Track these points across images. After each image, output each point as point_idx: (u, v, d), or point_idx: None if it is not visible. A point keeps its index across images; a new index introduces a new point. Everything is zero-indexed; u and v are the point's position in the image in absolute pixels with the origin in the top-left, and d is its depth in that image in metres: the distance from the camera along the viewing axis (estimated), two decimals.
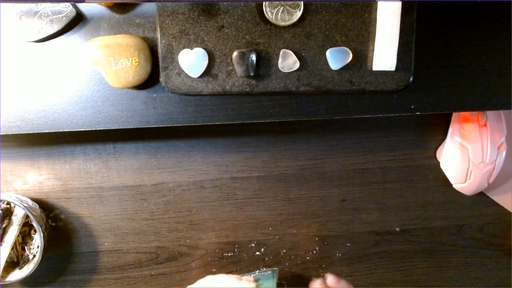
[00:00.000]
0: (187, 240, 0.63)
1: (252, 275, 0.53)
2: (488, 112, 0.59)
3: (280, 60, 0.46)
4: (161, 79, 0.47)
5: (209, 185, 0.62)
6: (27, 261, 0.59)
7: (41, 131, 0.49)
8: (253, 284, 0.51)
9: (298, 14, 0.45)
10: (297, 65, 0.46)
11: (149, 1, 0.45)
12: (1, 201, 0.58)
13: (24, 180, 0.61)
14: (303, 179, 0.63)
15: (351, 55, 0.46)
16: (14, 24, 0.46)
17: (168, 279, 0.64)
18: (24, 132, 0.48)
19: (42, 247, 0.56)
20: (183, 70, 0.46)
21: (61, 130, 0.49)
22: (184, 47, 0.46)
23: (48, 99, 0.48)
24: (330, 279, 0.53)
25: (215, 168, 0.62)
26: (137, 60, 0.45)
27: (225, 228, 0.63)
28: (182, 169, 0.62)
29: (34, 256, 0.59)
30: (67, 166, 0.61)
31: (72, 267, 0.63)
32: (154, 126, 0.49)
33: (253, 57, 0.45)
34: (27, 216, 0.59)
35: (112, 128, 0.49)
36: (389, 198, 0.64)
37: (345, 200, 0.63)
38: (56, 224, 0.62)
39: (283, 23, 0.45)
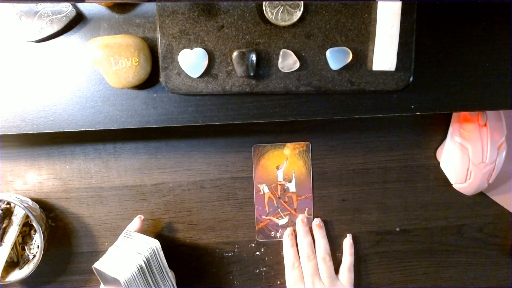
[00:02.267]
0: (187, 240, 0.63)
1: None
2: (488, 112, 0.59)
3: (280, 60, 0.46)
4: (161, 79, 0.47)
5: (209, 185, 0.62)
6: (27, 261, 0.59)
7: (41, 131, 0.49)
8: None
9: (298, 14, 0.45)
10: (297, 65, 0.46)
11: (149, 1, 0.45)
12: (1, 201, 0.58)
13: (24, 180, 0.61)
14: None
15: (351, 55, 0.46)
16: (14, 24, 0.46)
17: None
18: (24, 132, 0.48)
19: (42, 247, 0.56)
20: (183, 70, 0.46)
21: (61, 130, 0.49)
22: (184, 47, 0.46)
23: (48, 99, 0.48)
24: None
25: (215, 168, 0.62)
26: (137, 60, 0.45)
27: (225, 228, 0.63)
28: (182, 169, 0.62)
29: (34, 256, 0.59)
30: (67, 166, 0.61)
31: (72, 267, 0.63)
32: (154, 126, 0.49)
33: (253, 57, 0.45)
34: (27, 216, 0.59)
35: (112, 128, 0.49)
36: (389, 198, 0.64)
37: (345, 200, 0.63)
38: (56, 224, 0.62)
39: (283, 23, 0.45)
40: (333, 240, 0.64)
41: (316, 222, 0.62)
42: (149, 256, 0.52)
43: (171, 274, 0.56)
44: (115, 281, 0.50)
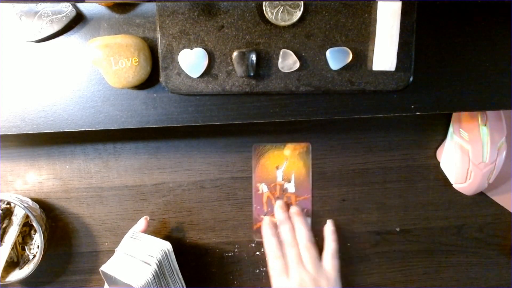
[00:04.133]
0: (187, 240, 0.63)
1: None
2: (488, 112, 0.59)
3: (280, 60, 0.46)
4: (161, 79, 0.47)
5: (209, 185, 0.62)
6: (27, 261, 0.59)
7: (41, 131, 0.49)
8: None
9: (298, 14, 0.45)
10: (297, 65, 0.46)
11: (149, 1, 0.45)
12: (1, 201, 0.58)
13: (24, 180, 0.61)
14: None
15: (351, 55, 0.46)
16: (14, 24, 0.46)
17: None
18: (24, 132, 0.48)
19: (42, 247, 0.56)
20: (183, 70, 0.46)
21: (61, 130, 0.49)
22: (184, 47, 0.46)
23: (48, 99, 0.48)
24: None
25: (215, 168, 0.62)
26: (137, 60, 0.45)
27: (225, 228, 0.63)
28: (182, 169, 0.62)
29: (34, 256, 0.59)
30: (67, 166, 0.61)
31: (72, 267, 0.63)
32: (154, 126, 0.49)
33: (253, 57, 0.45)
34: (27, 216, 0.59)
35: (112, 128, 0.49)
36: (389, 198, 0.64)
37: (345, 200, 0.63)
38: (56, 224, 0.62)
39: (283, 23, 0.45)
40: None
41: (294, 209, 0.60)
42: (161, 259, 0.51)
43: (181, 276, 0.55)
44: (127, 286, 0.49)
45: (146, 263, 0.50)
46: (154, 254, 0.51)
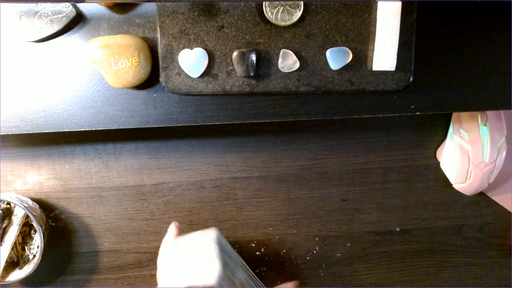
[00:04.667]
0: None
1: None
2: (488, 112, 0.59)
3: (280, 60, 0.46)
4: (161, 79, 0.47)
5: (209, 185, 0.62)
6: (27, 261, 0.59)
7: (41, 131, 0.49)
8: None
9: (298, 14, 0.45)
10: (297, 65, 0.46)
11: (149, 1, 0.45)
12: (1, 201, 0.58)
13: (24, 180, 0.61)
14: (303, 179, 0.63)
15: (351, 55, 0.46)
16: (14, 24, 0.46)
17: None
18: (24, 132, 0.48)
19: (42, 247, 0.56)
20: (183, 70, 0.46)
21: (61, 130, 0.49)
22: (184, 47, 0.46)
23: (48, 99, 0.48)
24: None
25: (215, 168, 0.62)
26: (137, 60, 0.45)
27: (225, 228, 0.63)
28: (182, 169, 0.62)
29: (34, 256, 0.59)
30: (67, 166, 0.61)
31: (72, 267, 0.63)
32: (154, 126, 0.49)
33: (253, 57, 0.45)
34: (27, 216, 0.59)
35: (112, 128, 0.49)
36: (389, 198, 0.64)
37: (345, 200, 0.63)
38: (56, 224, 0.62)
39: (283, 23, 0.45)
40: (333, 240, 0.64)
41: None
42: (219, 248, 0.46)
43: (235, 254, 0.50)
44: None
45: (208, 258, 0.45)
46: (210, 244, 0.46)
